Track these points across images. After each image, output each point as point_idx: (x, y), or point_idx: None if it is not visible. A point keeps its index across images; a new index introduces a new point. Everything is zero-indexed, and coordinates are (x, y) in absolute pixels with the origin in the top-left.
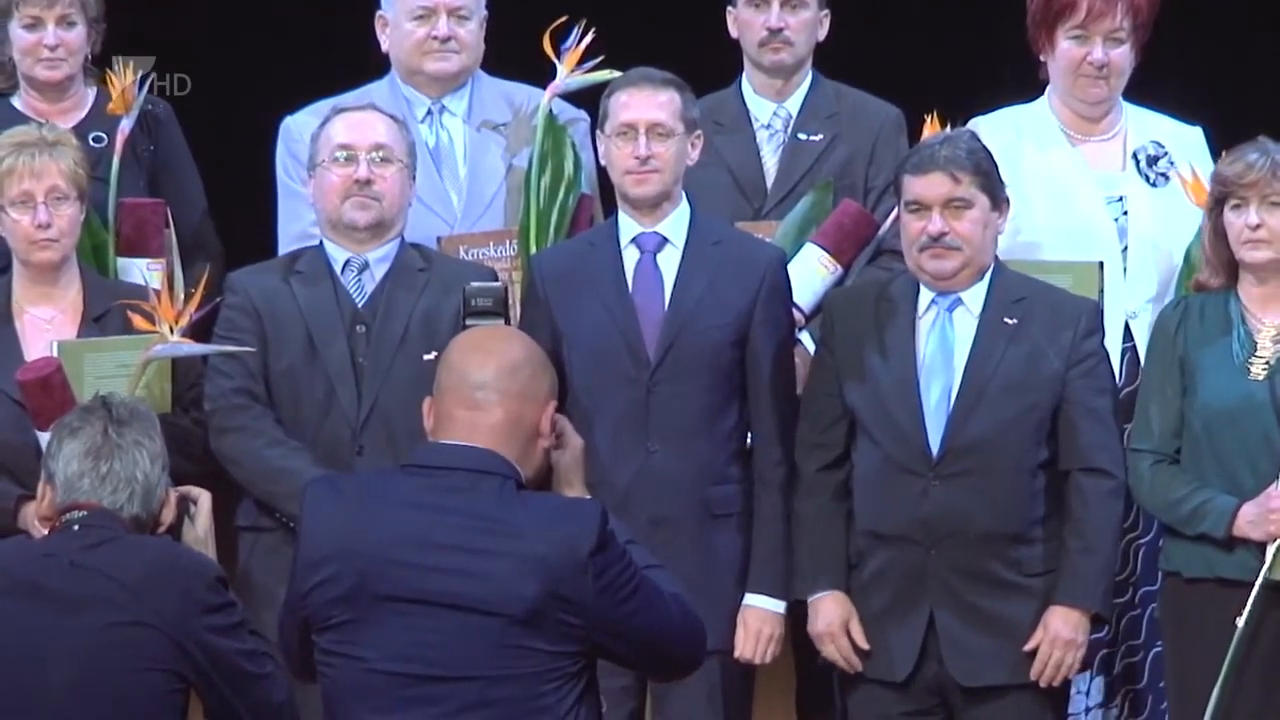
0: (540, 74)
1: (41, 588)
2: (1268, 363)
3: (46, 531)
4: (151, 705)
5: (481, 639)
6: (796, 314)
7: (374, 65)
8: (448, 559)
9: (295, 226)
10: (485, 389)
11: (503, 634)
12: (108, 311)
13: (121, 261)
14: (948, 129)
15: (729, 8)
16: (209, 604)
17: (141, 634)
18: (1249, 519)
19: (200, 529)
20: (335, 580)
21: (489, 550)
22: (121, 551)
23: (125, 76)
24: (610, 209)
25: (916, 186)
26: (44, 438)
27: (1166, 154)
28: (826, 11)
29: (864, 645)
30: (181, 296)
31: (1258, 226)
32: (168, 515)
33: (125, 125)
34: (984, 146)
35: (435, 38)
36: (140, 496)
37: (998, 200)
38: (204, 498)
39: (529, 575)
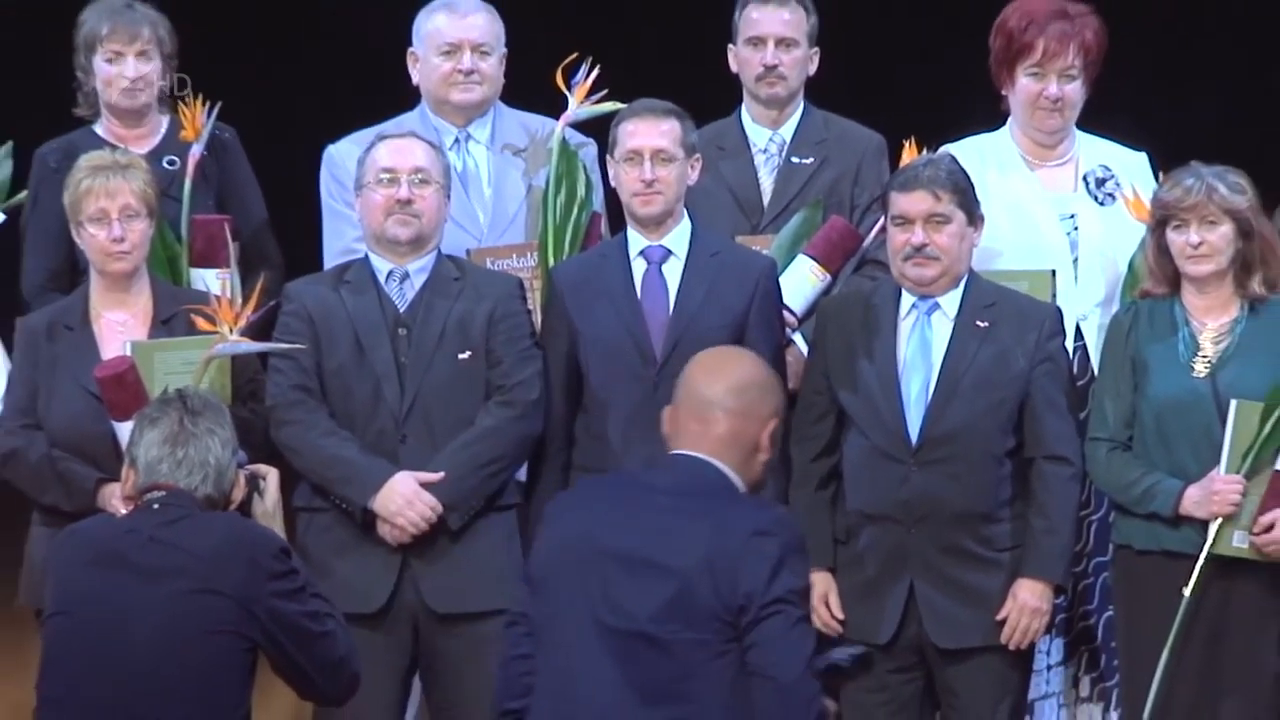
0: (553, 105)
1: (124, 559)
2: (1209, 361)
3: (129, 510)
4: (223, 664)
5: None
6: (790, 317)
7: (364, 94)
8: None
9: (339, 243)
10: (713, 405)
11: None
12: (174, 315)
13: (193, 271)
14: (924, 153)
15: (730, 46)
16: (274, 571)
17: (213, 600)
18: (1194, 500)
19: (269, 504)
20: None
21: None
22: (195, 527)
23: (196, 108)
24: (618, 225)
25: (902, 203)
26: (119, 428)
27: (1113, 176)
28: (816, 49)
29: (840, 616)
30: (240, 302)
31: (1199, 244)
32: (238, 494)
33: (196, 150)
34: (962, 169)
35: (460, 71)
36: (213, 478)
37: (973, 216)
38: (272, 475)
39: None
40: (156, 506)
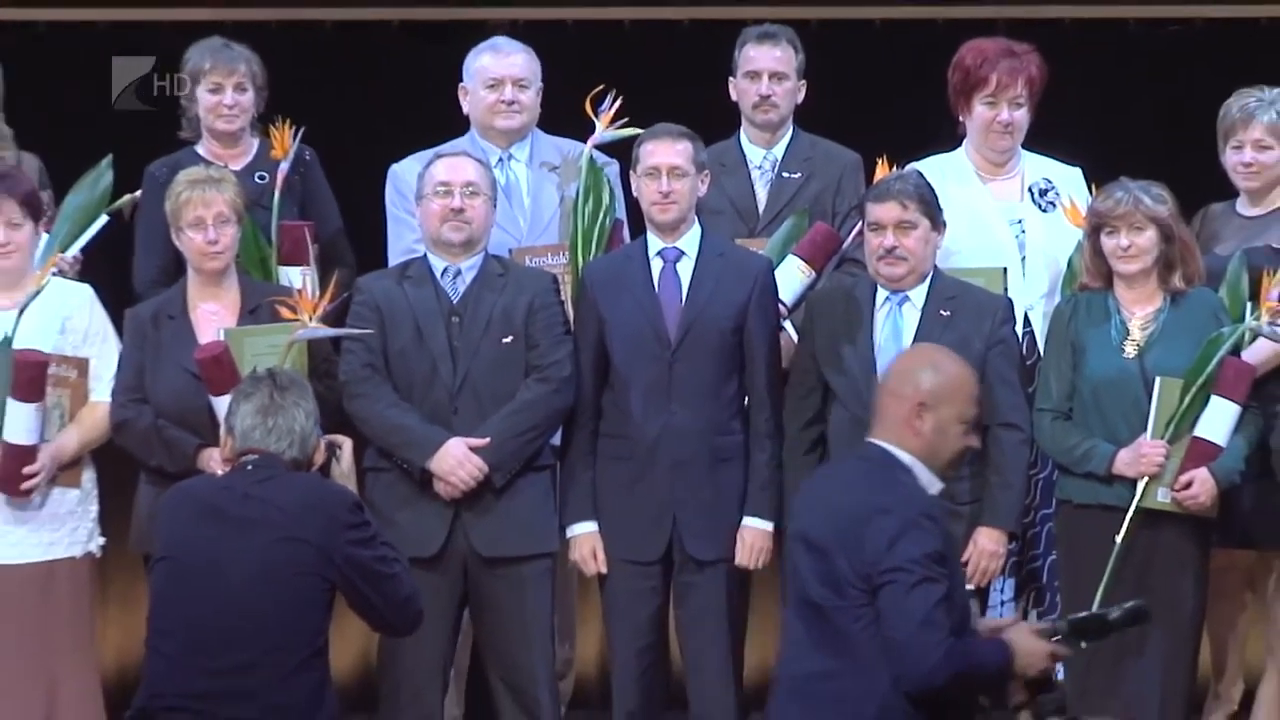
0: (581, 130)
1: (222, 512)
2: (1137, 344)
3: (226, 470)
4: (305, 601)
5: None
6: (782, 308)
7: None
8: None
9: (401, 244)
10: (893, 393)
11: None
12: (259, 306)
13: (281, 269)
14: (894, 169)
15: (730, 79)
16: (349, 523)
17: (298, 547)
18: (1124, 461)
19: (345, 466)
20: None
21: None
22: (283, 485)
23: (284, 132)
24: (638, 230)
25: (876, 211)
26: (215, 402)
27: (1054, 188)
28: (803, 82)
29: None
30: (319, 294)
31: (1128, 247)
32: (319, 457)
33: (283, 167)
34: (928, 183)
35: (503, 101)
36: (298, 444)
37: (936, 223)
38: (347, 443)
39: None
40: (250, 468)
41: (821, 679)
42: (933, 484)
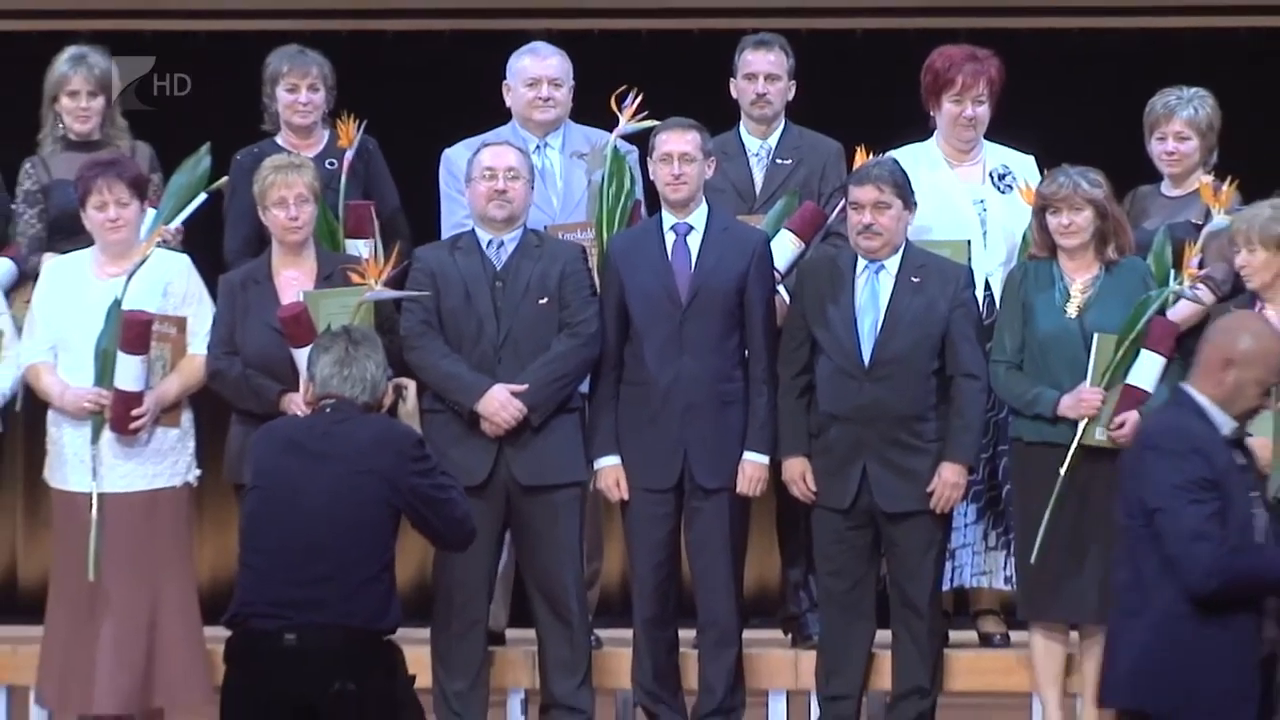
0: (606, 122)
1: (304, 447)
2: (1078, 306)
3: (307, 412)
4: (374, 523)
5: None
6: (776, 274)
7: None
8: None
9: (452, 219)
10: (1207, 343)
11: None
12: (332, 272)
13: (347, 241)
14: (872, 156)
15: (731, 79)
16: (412, 456)
17: (368, 478)
18: (1067, 405)
19: (409, 407)
20: None
21: None
22: (356, 425)
23: (349, 125)
24: (654, 208)
25: (856, 192)
26: (296, 354)
27: (1011, 173)
28: (794, 82)
29: (814, 488)
30: (382, 263)
31: (1069, 224)
32: (387, 400)
33: (349, 155)
34: (901, 168)
35: (540, 98)
36: (369, 389)
37: (908, 203)
38: (411, 387)
39: None
40: (328, 410)
41: (1125, 589)
42: (1226, 425)
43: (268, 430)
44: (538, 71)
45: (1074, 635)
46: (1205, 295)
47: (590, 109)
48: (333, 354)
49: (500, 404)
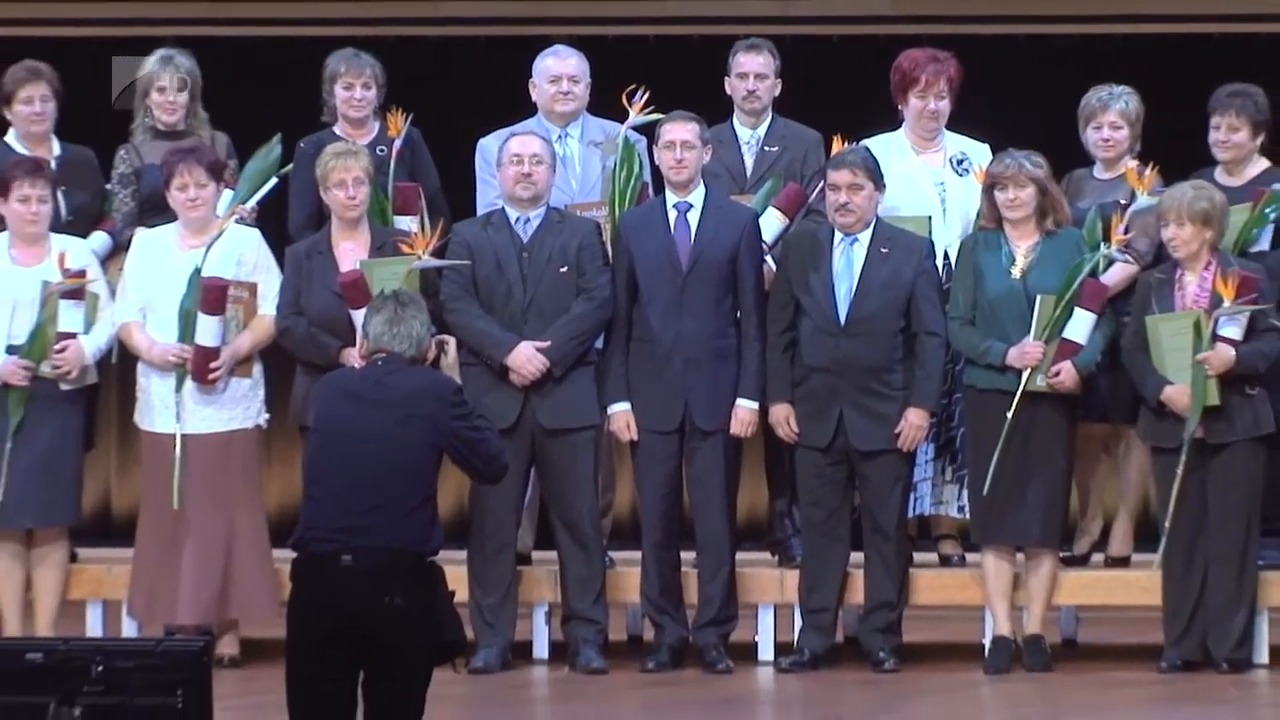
0: (618, 115)
1: (359, 395)
2: (1022, 270)
3: (362, 364)
4: (419, 461)
5: None
6: (764, 246)
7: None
8: None
9: (485, 199)
10: None
11: None
12: (384, 244)
13: (396, 218)
14: (848, 144)
15: (726, 78)
16: (452, 403)
17: (414, 422)
18: (1013, 356)
19: (450, 360)
20: None
21: None
22: (404, 376)
23: (397, 116)
24: (659, 189)
25: (833, 176)
26: (354, 314)
27: (967, 159)
28: (780, 80)
29: (796, 430)
30: (426, 237)
31: (1013, 199)
32: (431, 354)
33: (397, 143)
34: (872, 154)
35: (561, 93)
36: (416, 345)
37: (879, 184)
38: (452, 342)
39: None
40: (380, 363)
41: None
42: None
43: (327, 380)
44: (559, 70)
45: (1020, 557)
46: (1129, 262)
47: (604, 105)
48: (384, 314)
49: (526, 358)
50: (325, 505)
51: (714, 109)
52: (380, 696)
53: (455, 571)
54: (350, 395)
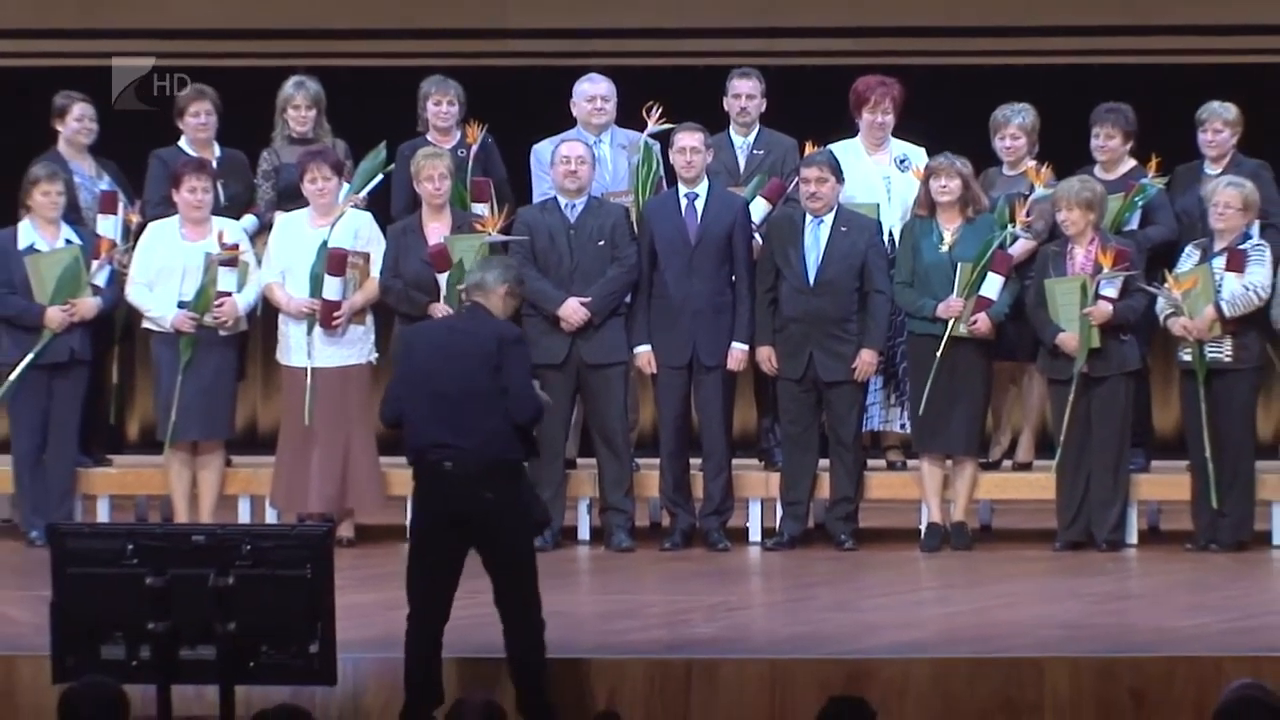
0: (640, 125)
1: (444, 338)
2: (949, 245)
3: (447, 313)
4: (493, 388)
5: None
6: (753, 225)
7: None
8: None
9: (539, 190)
10: None
11: None
12: (462, 225)
13: (474, 205)
14: (817, 148)
15: (724, 97)
16: (517, 342)
17: (487, 358)
18: (942, 310)
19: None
20: None
21: None
22: (481, 323)
23: (474, 127)
24: (672, 182)
25: (805, 172)
26: (439, 277)
27: (908, 159)
28: (765, 99)
29: (776, 365)
30: (496, 218)
31: (944, 186)
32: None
33: (475, 148)
34: (835, 156)
35: (595, 109)
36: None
37: (840, 179)
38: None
39: None
40: (464, 312)
41: None
42: None
43: (419, 327)
44: (594, 92)
45: (948, 462)
46: (1029, 239)
47: (630, 117)
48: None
49: (573, 310)
50: (426, 424)
51: (715, 121)
52: (495, 569)
53: None
54: (438, 338)
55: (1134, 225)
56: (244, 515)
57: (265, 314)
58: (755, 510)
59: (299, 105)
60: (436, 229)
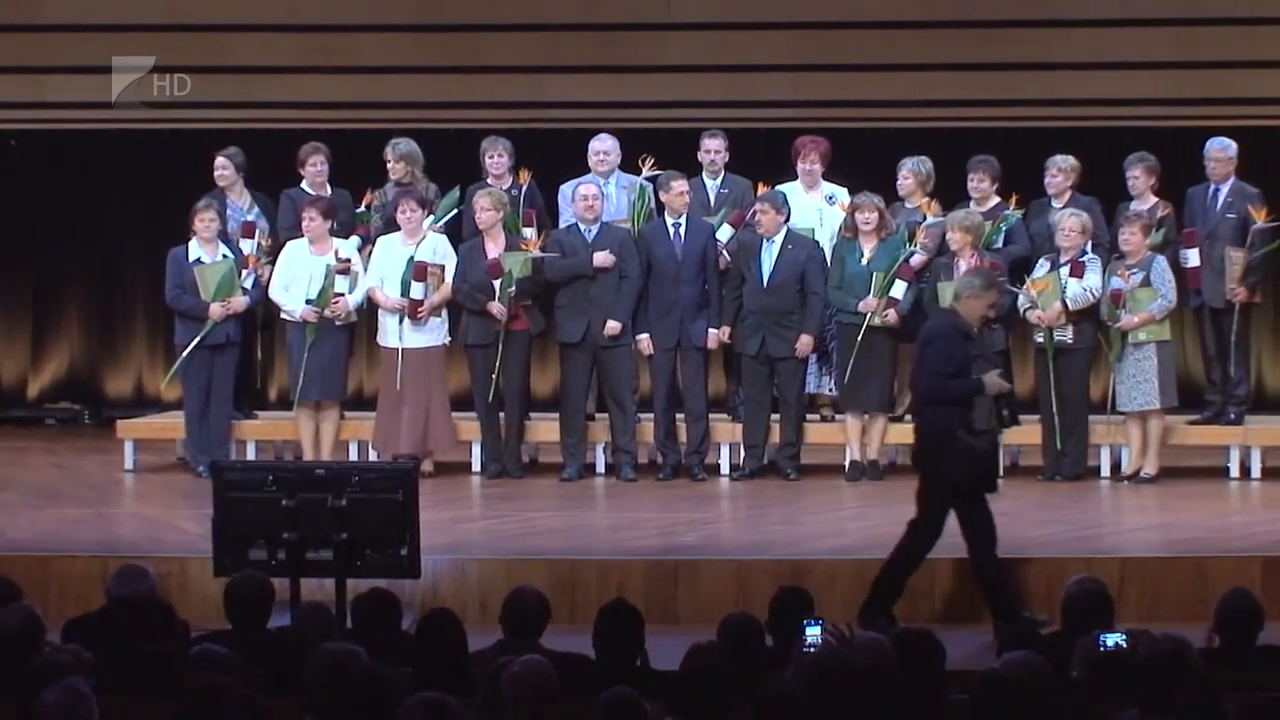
0: (637, 171)
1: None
2: (868, 259)
3: (503, 310)
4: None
5: None
6: (720, 244)
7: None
8: None
9: (563, 220)
10: None
11: None
12: (512, 245)
13: (525, 230)
14: (769, 189)
15: (698, 151)
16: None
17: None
18: (863, 306)
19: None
20: None
21: None
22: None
23: (523, 173)
24: (661, 213)
25: (759, 205)
26: (494, 283)
27: (835, 196)
28: (728, 152)
29: (733, 341)
30: (535, 240)
31: (866, 219)
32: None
33: (524, 188)
34: (783, 194)
35: (601, 160)
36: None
37: (784, 211)
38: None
39: None
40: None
41: None
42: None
43: (477, 319)
44: (600, 147)
45: (866, 416)
46: (925, 254)
47: (629, 165)
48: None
49: (604, 258)
50: None
51: (692, 168)
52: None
53: (552, 425)
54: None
55: (1000, 244)
56: (354, 455)
57: (369, 309)
58: (725, 452)
59: (390, 160)
60: (492, 248)
